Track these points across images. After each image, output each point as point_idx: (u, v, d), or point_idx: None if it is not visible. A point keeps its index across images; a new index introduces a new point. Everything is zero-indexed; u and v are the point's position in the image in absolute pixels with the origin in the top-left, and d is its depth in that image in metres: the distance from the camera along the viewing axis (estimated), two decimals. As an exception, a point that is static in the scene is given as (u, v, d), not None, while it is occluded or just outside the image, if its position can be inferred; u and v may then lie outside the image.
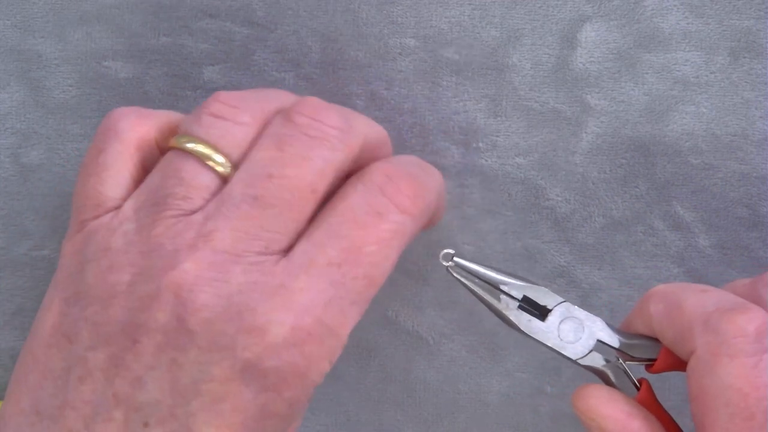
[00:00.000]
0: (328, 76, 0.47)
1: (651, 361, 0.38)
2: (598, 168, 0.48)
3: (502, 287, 0.36)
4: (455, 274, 0.36)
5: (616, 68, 0.47)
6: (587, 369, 0.38)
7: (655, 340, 0.38)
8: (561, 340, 0.37)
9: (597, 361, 0.37)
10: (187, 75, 0.47)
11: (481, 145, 0.48)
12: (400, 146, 0.47)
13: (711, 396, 0.34)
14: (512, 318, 0.36)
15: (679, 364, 0.37)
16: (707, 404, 0.34)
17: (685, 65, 0.47)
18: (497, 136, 0.47)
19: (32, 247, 0.48)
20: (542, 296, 0.37)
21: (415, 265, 0.48)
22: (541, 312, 0.37)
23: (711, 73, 0.47)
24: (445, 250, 0.36)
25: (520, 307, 0.36)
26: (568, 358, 0.37)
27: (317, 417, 0.50)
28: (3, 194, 0.47)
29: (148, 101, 0.47)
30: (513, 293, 0.36)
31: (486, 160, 0.48)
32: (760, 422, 0.33)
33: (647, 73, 0.47)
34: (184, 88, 0.47)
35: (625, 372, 0.38)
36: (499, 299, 0.36)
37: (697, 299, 0.36)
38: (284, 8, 0.47)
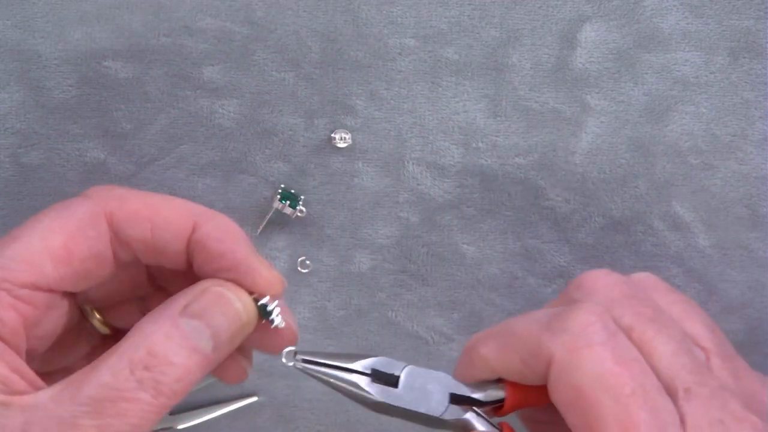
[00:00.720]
0: (328, 76, 0.47)
1: (500, 403, 0.38)
2: (597, 168, 0.48)
3: (351, 367, 0.36)
4: (303, 368, 0.36)
5: (615, 68, 0.47)
6: (449, 424, 0.37)
7: (497, 381, 0.38)
8: (419, 401, 0.37)
9: (457, 413, 0.37)
10: (187, 75, 0.47)
11: (480, 145, 0.48)
12: (400, 147, 0.47)
13: (588, 389, 0.35)
14: (372, 392, 0.36)
15: (527, 397, 0.38)
16: (588, 398, 0.35)
17: (685, 65, 0.47)
18: (497, 136, 0.47)
19: (32, 247, 0.48)
20: (387, 366, 0.37)
21: (414, 265, 0.48)
22: (391, 380, 0.37)
23: (711, 73, 0.47)
24: (287, 349, 0.36)
25: (373, 381, 0.37)
26: (432, 416, 0.37)
27: (317, 417, 0.50)
28: (3, 194, 0.47)
29: (148, 101, 0.47)
30: (362, 370, 0.36)
31: (486, 160, 0.48)
32: (642, 394, 0.35)
33: (647, 74, 0.47)
34: (184, 88, 0.47)
35: (485, 418, 0.38)
36: (352, 377, 0.36)
37: (527, 321, 0.38)
38: (284, 8, 0.47)
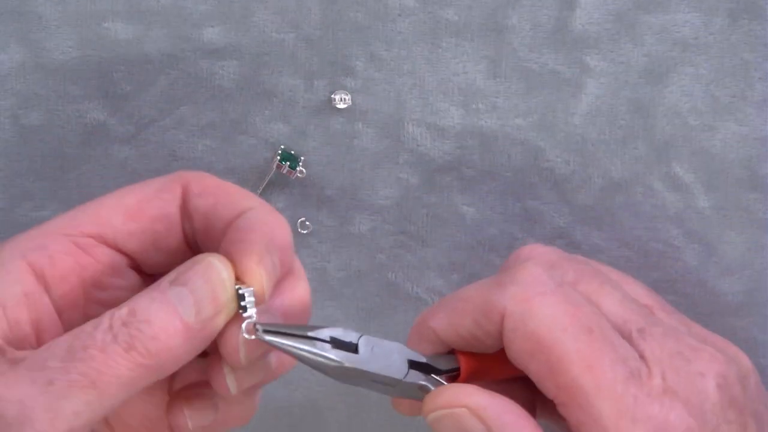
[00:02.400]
0: (328, 38, 0.47)
1: (456, 372, 0.39)
2: (597, 129, 0.48)
3: (310, 334, 0.36)
4: (266, 340, 0.35)
5: (615, 29, 0.47)
6: (411, 388, 0.38)
7: (449, 353, 0.39)
8: (381, 366, 0.37)
9: (418, 377, 0.38)
10: (187, 36, 0.47)
11: (480, 106, 0.48)
12: (400, 108, 0.47)
13: (545, 333, 0.36)
14: (335, 357, 0.36)
15: (481, 367, 0.39)
16: (546, 342, 0.36)
17: (684, 26, 0.47)
18: (497, 98, 0.48)
19: (33, 207, 0.48)
20: (344, 334, 0.37)
21: (414, 226, 0.48)
22: (350, 348, 0.37)
23: (710, 34, 0.47)
24: (246, 322, 0.35)
25: (334, 347, 0.37)
26: (395, 379, 0.38)
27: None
28: (3, 155, 0.48)
29: (148, 63, 0.47)
30: (322, 337, 0.37)
31: (485, 122, 0.48)
32: (600, 333, 0.36)
33: (646, 35, 0.47)
34: (184, 49, 0.47)
35: (443, 383, 0.38)
36: (315, 346, 0.36)
37: (474, 285, 0.39)
38: (284, -31, 0.47)
